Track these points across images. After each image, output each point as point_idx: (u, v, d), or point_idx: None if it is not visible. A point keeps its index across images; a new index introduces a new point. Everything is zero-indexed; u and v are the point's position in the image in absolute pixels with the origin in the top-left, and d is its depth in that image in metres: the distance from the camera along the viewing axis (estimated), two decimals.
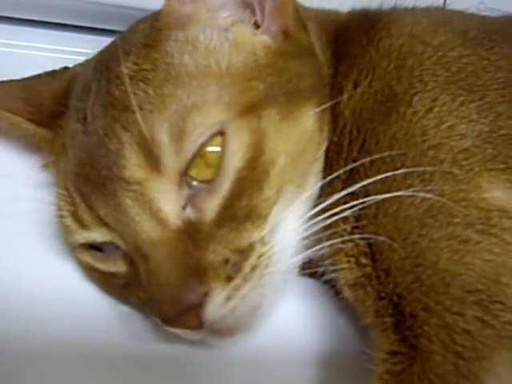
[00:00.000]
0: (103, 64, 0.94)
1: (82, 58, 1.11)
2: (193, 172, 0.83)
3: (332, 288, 0.98)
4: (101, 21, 1.46)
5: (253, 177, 0.84)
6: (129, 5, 1.37)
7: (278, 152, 0.86)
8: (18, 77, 1.09)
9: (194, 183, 0.83)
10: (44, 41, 1.42)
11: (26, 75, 1.10)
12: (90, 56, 1.07)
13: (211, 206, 0.83)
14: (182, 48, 0.88)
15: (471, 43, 0.96)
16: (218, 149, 0.83)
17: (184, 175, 0.83)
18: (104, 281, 0.95)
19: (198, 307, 0.81)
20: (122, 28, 1.27)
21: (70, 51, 1.40)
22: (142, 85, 0.85)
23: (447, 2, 1.40)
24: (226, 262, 0.83)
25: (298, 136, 0.89)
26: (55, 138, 0.99)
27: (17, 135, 1.09)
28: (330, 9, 1.14)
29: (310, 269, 0.98)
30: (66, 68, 1.11)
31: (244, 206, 0.84)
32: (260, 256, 0.85)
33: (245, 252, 0.84)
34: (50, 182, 1.01)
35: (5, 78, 1.08)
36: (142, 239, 0.82)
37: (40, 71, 1.11)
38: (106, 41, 1.04)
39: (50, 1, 1.35)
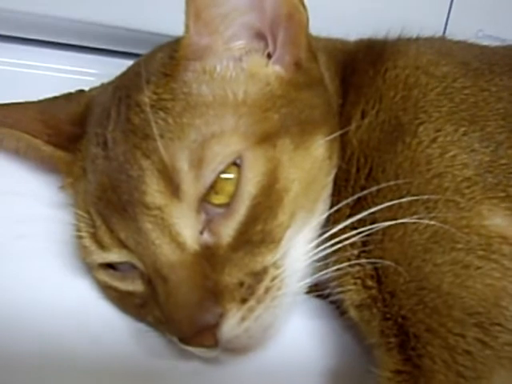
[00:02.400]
0: (122, 90, 0.97)
1: (90, 78, 1.17)
2: (210, 198, 0.86)
3: (338, 308, 1.01)
4: (110, 43, 1.47)
5: (267, 203, 0.87)
6: (136, 28, 1.38)
7: (291, 180, 0.89)
8: (29, 97, 1.12)
9: (211, 209, 0.87)
10: (55, 61, 1.43)
11: (38, 96, 1.12)
12: (99, 77, 1.12)
13: (227, 231, 0.86)
14: (200, 78, 0.91)
15: (473, 74, 1.00)
16: (233, 176, 0.87)
17: (202, 201, 0.86)
18: (121, 299, 0.98)
19: (213, 327, 0.84)
20: (130, 49, 1.31)
21: (81, 72, 1.42)
22: (161, 113, 0.88)
23: (447, 29, 1.43)
24: (241, 284, 0.86)
25: (310, 164, 0.93)
26: (73, 161, 1.02)
27: (34, 156, 1.11)
28: (337, 38, 1.18)
29: (317, 290, 1.01)
30: (81, 91, 1.13)
31: (259, 230, 0.87)
32: (273, 279, 0.88)
33: (259, 275, 0.87)
34: (67, 203, 1.04)
35: (17, 99, 1.11)
36: (162, 262, 0.85)
37: (51, 92, 1.13)
38: (114, 61, 1.07)
39: (62, 23, 1.36)
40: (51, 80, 1.41)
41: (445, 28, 1.49)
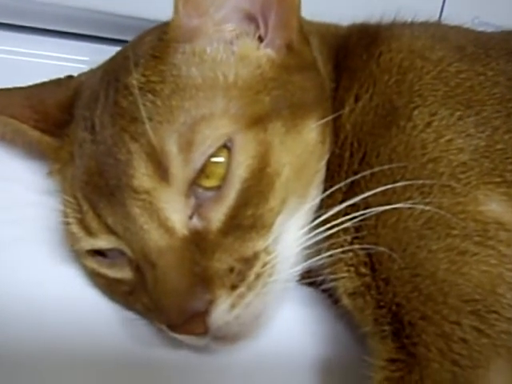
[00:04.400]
0: (111, 74, 0.95)
1: (80, 66, 1.14)
2: (200, 182, 0.85)
3: (330, 296, 1.00)
4: (101, 29, 1.46)
5: (258, 187, 0.86)
6: (129, 14, 1.37)
7: (283, 164, 0.88)
8: (20, 84, 1.10)
9: (201, 193, 0.85)
10: (45, 48, 1.42)
11: (28, 82, 1.10)
12: (89, 64, 1.10)
13: (217, 216, 0.85)
14: (189, 60, 0.89)
15: (468, 59, 0.98)
16: (223, 159, 0.85)
17: (191, 185, 0.84)
18: (109, 287, 0.96)
19: (203, 314, 0.83)
20: (120, 36, 1.29)
21: (71, 59, 1.40)
22: (150, 96, 0.86)
23: (443, 17, 1.42)
24: (231, 270, 0.84)
25: (302, 148, 0.91)
26: (61, 146, 1.00)
27: (21, 142, 1.10)
28: (329, 23, 1.16)
29: (309, 278, 0.99)
30: (70, 77, 1.12)
31: (249, 215, 0.85)
32: (264, 265, 0.87)
33: (249, 261, 0.86)
34: (54, 189, 1.02)
35: (8, 86, 1.09)
36: (150, 247, 0.84)
37: (41, 79, 1.11)
38: (105, 49, 1.05)
39: (52, 9, 1.34)
40: (41, 67, 1.39)
41: (440, 15, 1.48)
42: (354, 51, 1.04)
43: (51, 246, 1.02)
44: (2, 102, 1.07)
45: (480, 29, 1.20)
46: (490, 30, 1.22)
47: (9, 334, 0.95)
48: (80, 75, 1.11)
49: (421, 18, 1.13)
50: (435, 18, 1.26)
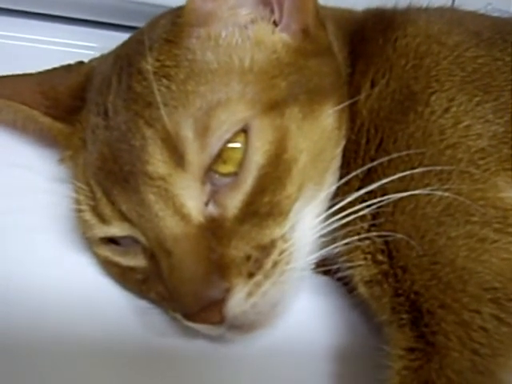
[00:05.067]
0: (124, 58, 0.94)
1: (90, 52, 1.12)
2: (216, 168, 0.84)
3: (346, 285, 0.98)
4: (110, 15, 1.46)
5: (275, 173, 0.84)
6: (140, 0, 1.36)
7: (299, 149, 0.87)
8: (27, 70, 1.09)
9: (217, 179, 0.84)
10: (53, 34, 1.41)
11: (35, 69, 1.09)
12: (99, 50, 1.09)
13: (234, 203, 0.83)
14: (205, 44, 0.88)
15: (485, 44, 0.97)
16: (239, 145, 0.84)
17: (207, 171, 0.83)
18: (122, 275, 0.95)
19: (219, 303, 0.81)
20: (130, 23, 1.29)
21: (80, 45, 1.40)
22: (164, 81, 0.85)
23: (456, 3, 1.40)
24: (248, 258, 0.83)
25: (319, 134, 0.90)
26: (73, 133, 0.99)
27: (32, 129, 1.09)
28: (344, 8, 1.15)
29: (324, 266, 0.98)
30: (81, 62, 1.11)
31: (266, 202, 0.84)
32: (281, 253, 0.86)
33: (266, 249, 0.84)
34: (66, 176, 1.01)
35: (15, 72, 1.08)
36: (165, 235, 0.82)
37: (51, 65, 1.10)
38: (115, 35, 1.04)
39: None
40: (51, 54, 1.38)
41: (453, 1, 1.45)
42: (369, 36, 1.02)
43: (63, 233, 1.01)
44: (12, 89, 1.05)
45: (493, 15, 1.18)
46: (503, 16, 1.21)
47: (21, 322, 0.94)
48: (91, 61, 1.10)
49: (434, 5, 1.11)
50: (448, 4, 1.25)
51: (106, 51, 1.08)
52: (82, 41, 1.43)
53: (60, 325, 0.94)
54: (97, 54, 1.11)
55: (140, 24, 1.03)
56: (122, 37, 1.06)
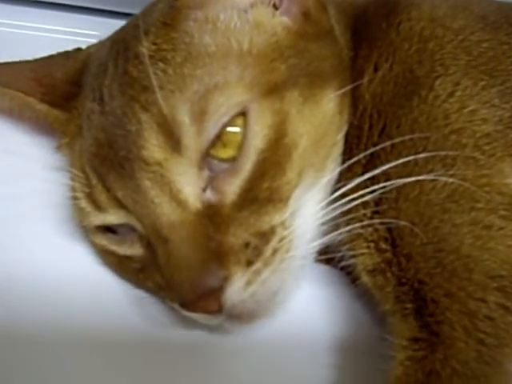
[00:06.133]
0: (120, 43, 0.92)
1: (90, 40, 1.10)
2: (214, 153, 0.82)
3: (349, 274, 0.96)
4: (110, 3, 1.45)
5: (275, 158, 0.82)
6: None
7: (300, 134, 0.85)
8: (26, 58, 1.08)
9: (215, 164, 0.82)
10: (53, 22, 1.41)
11: (34, 56, 1.08)
12: (99, 38, 1.07)
13: (232, 188, 0.82)
14: (202, 27, 0.86)
15: (491, 28, 0.95)
16: (238, 129, 0.82)
17: (205, 156, 0.81)
18: (119, 264, 0.94)
19: (217, 291, 0.80)
20: (131, 10, 1.27)
21: (82, 33, 1.38)
22: (161, 65, 0.83)
23: None
24: (247, 245, 0.81)
25: (320, 119, 0.88)
26: (69, 119, 0.98)
27: (29, 116, 1.07)
28: None
29: (326, 254, 0.97)
30: (79, 49, 1.09)
31: (266, 188, 0.82)
32: (281, 240, 0.84)
33: (266, 235, 0.83)
34: (62, 164, 0.99)
35: (14, 59, 1.07)
36: (162, 221, 0.81)
37: (48, 53, 1.09)
38: (115, 23, 1.03)
39: None
40: (51, 41, 1.37)
41: None
42: (372, 20, 1.00)
43: (59, 222, 1.00)
44: (8, 76, 1.04)
45: None
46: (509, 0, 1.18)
47: (18, 311, 0.93)
48: (89, 47, 1.08)
49: None
50: None
51: None
52: (84, 29, 1.42)
53: (57, 313, 0.94)
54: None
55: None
56: (122, 24, 1.04)
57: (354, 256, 0.90)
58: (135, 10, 1.01)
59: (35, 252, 0.98)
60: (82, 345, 0.92)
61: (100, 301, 0.95)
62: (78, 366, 0.90)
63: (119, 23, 1.03)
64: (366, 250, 0.89)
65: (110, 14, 1.45)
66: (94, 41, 1.09)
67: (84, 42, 1.12)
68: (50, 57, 1.08)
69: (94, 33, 1.31)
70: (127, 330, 0.93)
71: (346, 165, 0.90)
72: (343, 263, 0.94)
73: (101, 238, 0.93)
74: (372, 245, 0.88)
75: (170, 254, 0.80)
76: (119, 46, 0.92)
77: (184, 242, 0.80)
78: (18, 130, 1.11)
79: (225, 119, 0.81)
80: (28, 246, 0.99)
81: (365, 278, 0.90)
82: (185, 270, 0.79)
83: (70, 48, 1.10)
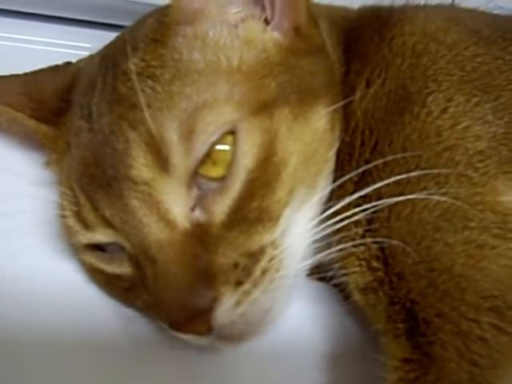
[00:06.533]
0: (109, 59, 0.91)
1: (82, 53, 1.09)
2: (202, 172, 0.81)
3: (341, 292, 0.96)
4: (102, 15, 1.44)
5: (264, 178, 0.81)
6: None
7: (290, 152, 0.84)
8: (18, 71, 1.06)
9: (204, 183, 0.81)
10: (45, 35, 1.39)
11: (26, 69, 1.07)
12: (92, 50, 1.05)
13: (221, 208, 0.80)
14: (191, 44, 0.85)
15: (485, 42, 0.94)
16: (227, 147, 0.81)
17: (193, 175, 0.80)
18: (108, 283, 0.93)
19: (206, 312, 0.79)
20: (123, 22, 1.26)
21: (71, 45, 1.38)
22: (149, 82, 0.82)
23: (456, 1, 1.38)
24: (236, 265, 0.80)
25: (311, 136, 0.87)
26: (58, 136, 0.96)
27: (18, 131, 1.06)
28: (339, 5, 1.12)
29: (318, 273, 0.96)
30: (69, 63, 1.08)
31: (255, 207, 0.81)
32: (271, 259, 0.83)
33: (255, 255, 0.81)
34: (52, 180, 0.98)
35: (5, 73, 1.06)
36: (150, 241, 0.80)
37: (40, 66, 1.08)
38: (108, 35, 1.02)
39: None
40: (43, 54, 1.36)
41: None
42: (365, 34, 0.99)
43: (48, 239, 0.99)
44: None
45: (494, 12, 1.15)
46: (504, 13, 1.18)
47: (3, 328, 0.92)
48: (79, 61, 1.07)
49: (433, 2, 1.08)
50: (447, 2, 1.22)
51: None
52: (76, 41, 1.41)
53: (43, 331, 0.92)
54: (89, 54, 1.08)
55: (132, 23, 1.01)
56: (114, 36, 1.03)
57: (345, 274, 0.89)
58: (128, 22, 1.00)
59: (22, 269, 0.97)
60: (71, 364, 0.91)
61: (87, 317, 0.94)
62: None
63: (112, 35, 1.02)
64: (357, 269, 0.88)
65: (103, 26, 1.44)
66: (85, 53, 1.08)
67: (75, 55, 1.11)
68: (40, 71, 1.07)
69: (86, 45, 1.31)
70: (114, 346, 0.92)
71: (337, 182, 0.89)
72: (334, 281, 0.93)
73: (89, 256, 0.92)
74: (364, 263, 0.87)
75: (158, 274, 0.79)
76: (108, 62, 0.91)
77: (172, 262, 0.79)
78: (7, 145, 1.10)
79: (213, 138, 0.80)
80: (15, 262, 0.98)
81: (357, 297, 0.89)
82: (173, 291, 0.78)
83: (61, 60, 1.09)
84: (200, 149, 0.79)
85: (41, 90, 1.02)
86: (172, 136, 0.79)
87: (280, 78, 0.86)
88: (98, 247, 0.91)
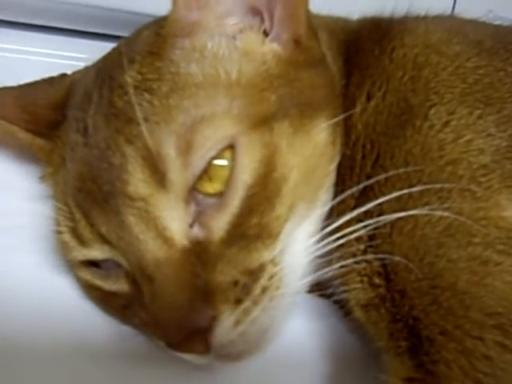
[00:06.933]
0: (105, 72, 0.90)
1: (78, 63, 1.08)
2: (200, 188, 0.79)
3: (341, 308, 0.94)
4: (98, 25, 1.43)
5: (264, 193, 0.80)
6: (127, 9, 1.34)
7: (290, 167, 0.82)
8: (12, 83, 1.06)
9: (202, 199, 0.79)
10: (40, 45, 1.39)
11: (21, 81, 1.06)
12: (87, 61, 1.04)
13: (220, 224, 0.79)
14: (189, 56, 0.84)
15: (487, 53, 0.93)
16: (226, 162, 0.79)
17: (191, 191, 0.79)
18: (104, 300, 0.91)
19: (205, 331, 0.77)
20: (119, 33, 1.25)
21: (66, 56, 1.38)
22: (146, 95, 0.81)
23: (455, 11, 1.37)
24: (235, 283, 0.79)
25: (311, 150, 0.86)
26: (53, 149, 0.95)
27: (12, 144, 1.05)
28: (339, 16, 1.11)
29: (319, 289, 0.95)
30: (64, 75, 1.07)
31: (254, 224, 0.80)
32: (271, 277, 0.81)
33: (255, 273, 0.80)
34: (47, 195, 0.97)
35: (1, 85, 1.05)
36: (147, 259, 0.78)
37: (35, 76, 1.07)
38: (103, 46, 1.01)
39: (48, 4, 1.32)
40: (38, 65, 1.36)
41: (453, 8, 1.43)
42: (365, 46, 0.98)
43: (43, 255, 0.97)
44: None
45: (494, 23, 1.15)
46: (504, 24, 1.17)
47: None
48: (74, 73, 1.06)
49: (433, 11, 1.07)
50: (447, 12, 1.22)
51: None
52: (71, 52, 1.40)
53: (40, 346, 0.90)
54: (85, 65, 1.07)
55: (129, 34, 1.00)
56: (111, 47, 1.02)
57: (346, 291, 0.88)
58: (124, 33, 1.00)
59: (18, 283, 0.96)
60: (67, 380, 0.89)
61: (84, 336, 0.92)
62: None
63: (107, 45, 1.01)
64: (359, 285, 0.86)
65: (98, 37, 1.44)
66: (80, 64, 1.08)
67: (70, 65, 1.10)
68: (35, 83, 1.06)
69: (81, 56, 1.31)
70: (111, 364, 0.90)
71: (338, 198, 0.88)
72: (335, 297, 0.92)
73: (85, 272, 0.90)
74: (365, 279, 0.86)
75: (156, 293, 0.77)
76: (104, 75, 0.89)
77: (170, 280, 0.77)
78: (2, 159, 1.09)
79: (212, 153, 0.78)
80: (10, 277, 0.97)
81: (357, 313, 0.88)
82: (171, 310, 0.76)
83: (56, 71, 1.09)
84: (198, 164, 0.78)
85: (35, 102, 1.01)
86: (169, 151, 0.77)
87: (280, 91, 0.85)
88: (93, 263, 0.89)
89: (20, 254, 0.97)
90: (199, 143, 0.78)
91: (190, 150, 0.77)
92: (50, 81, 1.05)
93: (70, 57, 1.37)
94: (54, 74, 1.08)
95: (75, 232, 0.86)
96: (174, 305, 0.76)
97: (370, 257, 0.84)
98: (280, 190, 0.81)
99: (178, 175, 0.77)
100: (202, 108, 0.80)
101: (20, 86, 1.05)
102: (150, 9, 1.15)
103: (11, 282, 0.96)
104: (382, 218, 0.82)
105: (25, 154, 1.05)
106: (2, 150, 1.08)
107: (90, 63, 1.04)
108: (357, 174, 0.89)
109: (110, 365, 0.90)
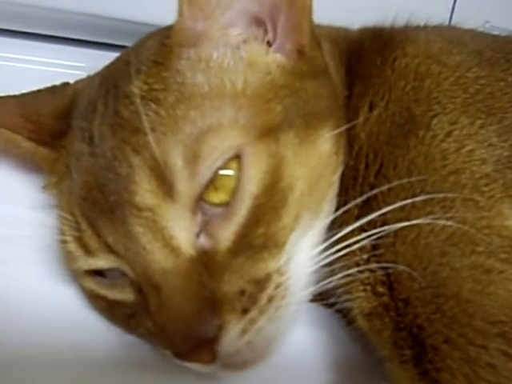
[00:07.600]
0: (110, 81, 0.90)
1: (78, 72, 1.09)
2: (208, 197, 0.79)
3: (344, 317, 0.95)
4: (96, 34, 1.43)
5: (270, 204, 0.80)
6: (126, 18, 1.34)
7: (296, 177, 0.83)
8: (15, 92, 1.05)
9: (209, 209, 0.80)
10: (37, 54, 1.39)
11: (21, 89, 1.06)
12: (87, 70, 1.05)
13: (226, 234, 0.79)
14: (195, 66, 0.84)
15: (487, 63, 0.94)
16: (232, 172, 0.80)
17: (198, 201, 0.79)
18: (109, 309, 0.91)
19: (211, 341, 0.77)
20: (119, 42, 1.26)
21: (67, 65, 1.37)
22: (153, 105, 0.81)
23: (453, 21, 1.38)
24: (242, 293, 0.79)
25: (316, 160, 0.86)
26: (57, 158, 0.95)
27: (15, 154, 1.05)
28: (340, 26, 1.12)
29: (322, 299, 0.96)
30: (66, 84, 1.07)
31: (261, 234, 0.80)
32: (277, 287, 0.82)
33: (261, 283, 0.80)
34: (50, 204, 0.97)
35: (1, 93, 1.04)
36: (154, 269, 0.78)
37: (37, 86, 1.07)
38: (103, 54, 1.01)
39: (47, 14, 1.31)
40: (37, 74, 1.36)
41: (450, 19, 1.44)
42: (367, 56, 0.99)
43: (47, 265, 0.97)
44: None
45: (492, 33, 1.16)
46: (501, 34, 1.19)
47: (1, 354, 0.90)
48: (77, 82, 1.06)
49: (432, 23, 1.09)
50: (445, 23, 1.23)
51: (94, 71, 1.04)
52: (70, 60, 1.40)
53: (43, 357, 0.90)
54: (85, 74, 1.07)
55: (129, 43, 1.00)
56: (111, 56, 1.02)
57: (349, 299, 0.88)
58: (123, 42, 1.01)
59: (22, 294, 0.96)
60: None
61: (87, 346, 0.92)
62: None
63: (106, 54, 1.02)
64: (362, 294, 0.87)
65: (98, 46, 1.44)
66: (80, 72, 1.08)
67: (71, 74, 1.11)
68: (37, 92, 1.06)
69: (80, 64, 1.32)
70: (119, 371, 0.91)
71: (342, 209, 0.88)
72: (338, 306, 0.92)
73: (90, 281, 0.90)
74: (369, 288, 0.86)
75: (163, 303, 0.78)
76: (109, 84, 0.89)
77: (177, 290, 0.77)
78: (5, 168, 1.09)
79: (219, 163, 0.78)
80: (14, 287, 0.96)
81: (361, 322, 0.88)
82: (178, 320, 0.76)
83: (56, 80, 1.08)
84: (205, 174, 0.78)
85: (38, 111, 1.01)
86: (176, 161, 0.78)
87: (285, 102, 0.85)
88: (98, 273, 0.89)
89: (23, 264, 0.97)
90: (206, 153, 0.78)
91: (197, 160, 0.78)
92: (53, 90, 1.05)
93: (69, 65, 1.37)
94: (53, 82, 1.07)
95: (81, 241, 0.86)
96: (181, 315, 0.77)
97: (373, 266, 0.84)
98: (286, 200, 0.82)
99: (185, 185, 0.78)
100: (208, 118, 0.80)
101: (22, 95, 1.05)
102: (149, 18, 1.15)
103: (14, 292, 0.96)
104: (385, 227, 0.82)
105: (27, 163, 1.05)
106: (4, 159, 1.08)
107: (88, 72, 1.05)
108: (360, 184, 0.89)
109: (115, 374, 0.90)
